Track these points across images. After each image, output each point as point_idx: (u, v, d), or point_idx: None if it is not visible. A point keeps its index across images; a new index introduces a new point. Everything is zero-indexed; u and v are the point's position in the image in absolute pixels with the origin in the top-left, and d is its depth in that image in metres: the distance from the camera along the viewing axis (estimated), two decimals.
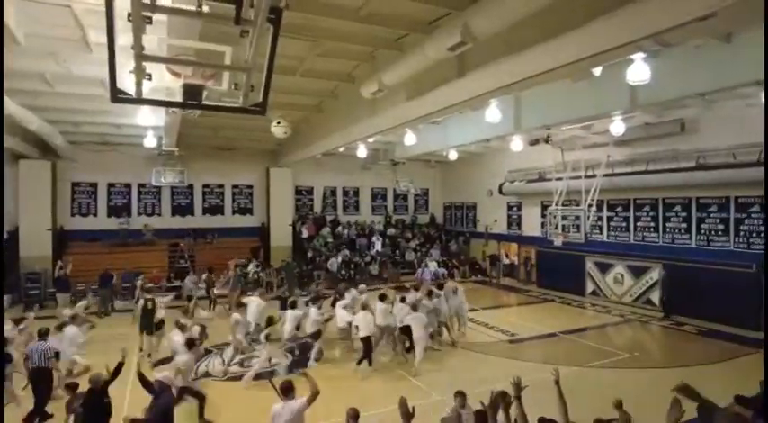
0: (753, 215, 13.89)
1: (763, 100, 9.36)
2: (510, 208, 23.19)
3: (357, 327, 10.92)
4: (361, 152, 18.86)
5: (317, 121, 16.30)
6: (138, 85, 3.44)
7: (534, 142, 15.69)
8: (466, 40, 6.58)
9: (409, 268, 22.97)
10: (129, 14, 2.95)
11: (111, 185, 20.99)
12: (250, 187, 23.52)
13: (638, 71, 7.84)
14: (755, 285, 13.54)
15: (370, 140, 17.08)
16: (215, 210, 22.86)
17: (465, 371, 10.68)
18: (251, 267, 18.80)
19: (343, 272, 20.83)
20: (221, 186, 23.03)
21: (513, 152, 17.61)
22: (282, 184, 23.09)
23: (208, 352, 11.78)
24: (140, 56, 3.20)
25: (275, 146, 21.48)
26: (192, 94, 3.68)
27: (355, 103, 11.83)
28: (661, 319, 15.08)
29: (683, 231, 15.75)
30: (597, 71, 8.93)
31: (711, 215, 14.94)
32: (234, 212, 23.22)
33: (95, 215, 20.66)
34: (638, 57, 7.72)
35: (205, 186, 22.73)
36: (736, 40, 8.48)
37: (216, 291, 16.29)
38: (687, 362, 11.11)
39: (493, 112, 11.36)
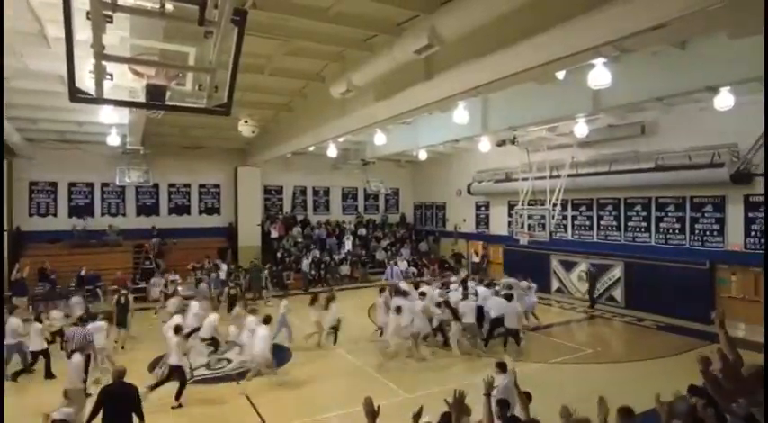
0: (706, 214, 14.51)
1: (725, 103, 9.79)
2: (478, 207, 23.53)
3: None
4: (332, 152, 18.82)
5: (287, 121, 16.19)
6: (98, 84, 3.37)
7: (501, 143, 15.98)
8: (433, 43, 6.68)
9: (380, 268, 23.06)
10: (88, 13, 2.90)
11: (72, 185, 20.29)
12: (217, 187, 23.13)
13: (599, 76, 8.09)
14: (708, 281, 14.26)
15: (341, 140, 17.05)
16: (181, 210, 22.40)
17: (434, 370, 10.81)
18: (223, 268, 18.46)
19: (313, 272, 20.72)
20: (188, 186, 22.58)
21: (481, 153, 17.89)
22: (251, 184, 22.80)
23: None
24: (100, 55, 3.13)
25: (243, 145, 21.21)
26: (156, 94, 3.62)
27: (325, 102, 11.83)
28: (587, 310, 16.07)
29: (643, 230, 16.32)
30: (561, 75, 9.17)
31: (669, 214, 15.54)
32: (201, 212, 22.80)
33: (55, 215, 19.94)
34: (599, 62, 7.96)
35: (171, 186, 22.24)
36: (690, 47, 8.87)
37: (181, 292, 15.97)
38: (646, 356, 11.56)
39: (461, 114, 11.52)
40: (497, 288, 13.46)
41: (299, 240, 22.97)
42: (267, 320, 10.31)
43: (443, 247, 25.75)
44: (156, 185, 21.59)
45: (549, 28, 5.69)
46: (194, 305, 12.20)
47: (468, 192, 22.71)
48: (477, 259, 22.54)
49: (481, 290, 13.25)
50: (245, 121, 11.13)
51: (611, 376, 10.40)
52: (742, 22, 5.94)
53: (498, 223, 22.14)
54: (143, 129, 15.13)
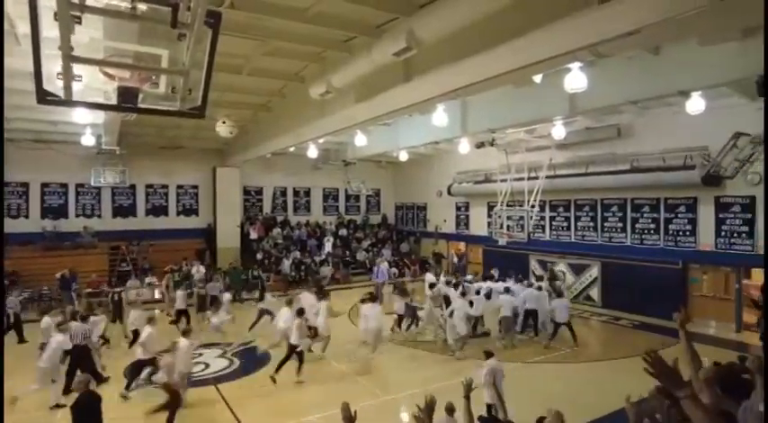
0: (680, 215, 14.86)
1: (694, 107, 10.03)
2: (458, 208, 23.69)
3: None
4: (312, 152, 18.74)
5: (266, 121, 16.07)
6: (67, 86, 3.29)
7: (480, 145, 16.11)
8: (411, 45, 6.70)
9: (361, 269, 23.04)
10: (56, 14, 2.83)
11: (45, 185, 19.77)
12: (195, 187, 22.80)
13: (575, 79, 8.22)
14: (681, 280, 14.61)
15: (321, 141, 17.01)
16: (158, 211, 22.01)
17: (412, 370, 10.85)
18: (194, 271, 18.17)
19: (293, 274, 20.59)
20: (165, 187, 22.21)
21: (461, 154, 18.01)
22: (230, 184, 22.52)
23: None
24: (68, 56, 3.06)
25: (222, 145, 20.97)
26: (128, 96, 3.55)
27: (304, 103, 11.76)
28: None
29: (619, 230, 16.63)
30: (538, 78, 9.29)
31: (644, 215, 15.87)
32: (179, 213, 22.44)
33: (27, 217, 19.39)
34: (576, 66, 8.09)
35: (148, 186, 21.84)
36: (663, 52, 9.06)
37: (157, 295, 15.75)
38: (622, 354, 11.74)
39: (440, 116, 11.58)
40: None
41: (280, 241, 22.82)
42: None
43: (424, 247, 25.84)
44: (132, 186, 21.19)
45: (526, 32, 5.76)
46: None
47: (449, 193, 22.85)
48: (456, 260, 22.67)
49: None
50: (223, 122, 11.02)
51: (588, 375, 10.60)
52: (711, 30, 6.10)
53: (478, 224, 22.31)
54: (119, 129, 14.85)
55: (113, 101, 3.69)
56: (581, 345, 12.65)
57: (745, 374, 3.76)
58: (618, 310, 15.74)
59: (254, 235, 22.55)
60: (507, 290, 13.20)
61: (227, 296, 14.32)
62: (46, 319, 10.62)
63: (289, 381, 10.03)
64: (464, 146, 16.10)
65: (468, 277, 16.16)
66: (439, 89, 8.32)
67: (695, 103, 10.00)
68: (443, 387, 8.37)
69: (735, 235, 13.54)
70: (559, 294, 13.38)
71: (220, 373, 10.71)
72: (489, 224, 19.55)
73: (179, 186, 22.50)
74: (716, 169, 12.06)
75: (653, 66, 9.25)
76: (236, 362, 11.38)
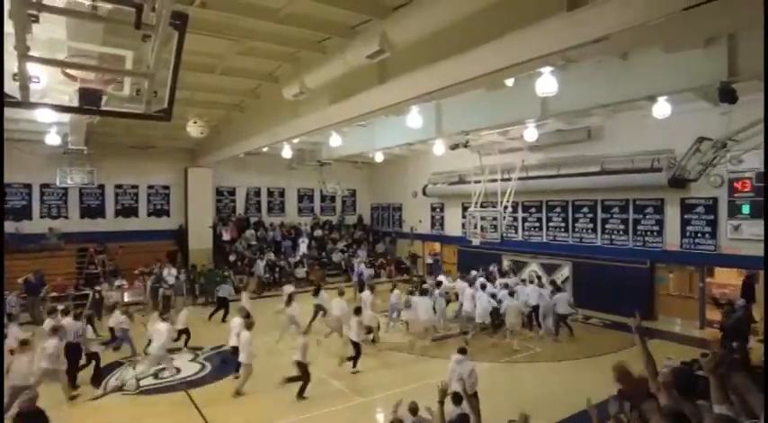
0: (647, 216, 15.27)
1: (657, 112, 10.29)
2: (433, 209, 23.82)
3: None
4: (286, 152, 18.54)
5: (239, 121, 15.84)
6: (24, 87, 3.16)
7: (454, 147, 16.21)
8: (384, 48, 6.70)
9: (337, 270, 22.94)
10: (10, 12, 2.71)
11: (6, 186, 19.05)
12: (167, 188, 22.33)
13: (546, 84, 8.34)
14: (648, 280, 15.01)
15: (295, 141, 16.85)
16: (128, 211, 21.48)
17: (387, 372, 10.84)
18: (165, 273, 17.81)
19: (267, 275, 20.35)
20: (135, 187, 21.68)
21: (436, 156, 18.10)
22: (202, 185, 22.13)
23: (119, 364, 11.13)
24: (24, 57, 2.94)
25: (194, 145, 20.59)
26: (90, 99, 3.42)
27: (278, 103, 11.62)
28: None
29: (589, 231, 16.98)
30: (510, 82, 9.40)
31: (614, 216, 16.24)
32: (149, 214, 21.94)
33: None
34: (547, 70, 8.21)
35: (118, 187, 21.29)
36: (631, 58, 9.27)
37: (127, 298, 15.44)
38: (592, 353, 12.02)
39: (414, 118, 11.60)
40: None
41: (253, 243, 22.53)
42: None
43: (400, 247, 25.89)
44: (101, 186, 20.60)
45: (497, 37, 5.81)
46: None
47: (424, 193, 22.97)
48: (430, 260, 22.80)
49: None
50: (194, 122, 10.79)
51: (560, 374, 10.78)
52: (676, 38, 6.28)
53: (453, 224, 22.47)
54: (86, 128, 14.41)
55: (76, 103, 3.56)
56: (552, 344, 12.87)
57: (700, 372, 3.88)
58: (589, 309, 16.01)
59: (226, 236, 22.22)
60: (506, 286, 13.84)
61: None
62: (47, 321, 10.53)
63: (261, 385, 9.91)
64: (439, 147, 16.17)
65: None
66: (413, 92, 8.33)
67: (661, 108, 10.25)
68: (417, 388, 8.43)
69: (699, 235, 13.98)
70: (558, 289, 14.07)
71: (192, 377, 10.51)
72: (464, 225, 19.72)
73: (150, 187, 22.01)
74: (681, 172, 12.40)
75: (622, 71, 9.46)
76: (208, 366, 11.19)
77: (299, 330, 11.62)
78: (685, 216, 14.27)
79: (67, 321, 9.99)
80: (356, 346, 10.75)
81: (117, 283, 17.50)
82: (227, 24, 8.44)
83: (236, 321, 10.63)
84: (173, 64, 3.34)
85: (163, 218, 22.20)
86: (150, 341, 10.49)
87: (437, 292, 13.91)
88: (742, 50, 7.80)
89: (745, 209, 12.89)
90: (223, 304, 15.15)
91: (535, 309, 13.51)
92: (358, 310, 11.25)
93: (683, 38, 6.52)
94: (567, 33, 5.50)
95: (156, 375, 10.35)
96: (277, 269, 20.93)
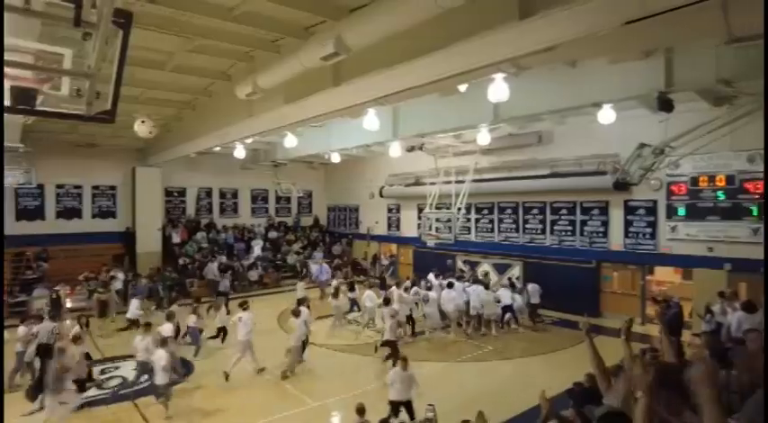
0: (594, 218, 15.92)
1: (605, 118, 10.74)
2: (390, 210, 23.94)
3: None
4: (240, 152, 18.12)
5: (191, 119, 15.39)
6: None
7: (411, 149, 16.37)
8: (339, 51, 6.68)
9: (292, 272, 22.64)
10: None
11: None
12: (113, 188, 21.37)
13: (499, 90, 8.53)
14: (594, 278, 15.66)
15: (249, 141, 16.52)
16: (71, 213, 20.39)
17: (340, 375, 10.78)
18: (119, 278, 17.08)
19: (219, 279, 19.77)
20: (79, 187, 20.61)
21: (393, 157, 18.18)
22: (150, 185, 21.31)
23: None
24: None
25: (143, 144, 19.79)
26: (24, 98, 3.22)
27: (232, 102, 11.36)
28: None
29: (539, 232, 17.53)
30: (463, 88, 9.57)
31: (562, 218, 16.84)
32: (94, 216, 20.92)
33: None
34: (499, 77, 8.41)
35: (59, 187, 20.17)
36: (579, 66, 9.64)
37: (69, 305, 14.73)
38: (542, 350, 12.41)
39: (371, 120, 11.60)
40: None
41: (204, 245, 21.86)
42: None
43: (357, 249, 25.86)
44: (40, 186, 19.44)
45: (451, 44, 5.92)
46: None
47: (381, 195, 23.03)
48: (386, 261, 22.88)
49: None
50: (143, 121, 10.34)
51: (510, 372, 11.07)
52: (617, 50, 6.59)
53: (409, 225, 22.66)
54: (21, 125, 13.57)
55: (7, 102, 3.35)
56: (503, 342, 13.20)
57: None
58: (539, 307, 16.53)
59: (176, 239, 21.49)
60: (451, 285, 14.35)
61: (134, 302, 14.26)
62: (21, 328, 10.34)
63: (214, 391, 9.68)
64: (395, 149, 16.27)
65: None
66: (367, 94, 8.36)
67: (606, 115, 10.72)
68: (372, 390, 8.44)
69: (640, 236, 14.71)
70: (513, 287, 15.09)
71: (139, 387, 10.07)
72: (419, 226, 19.94)
73: (95, 187, 21.00)
74: (624, 176, 12.95)
75: (570, 79, 9.82)
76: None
77: (343, 321, 14.25)
78: (628, 217, 14.99)
79: (43, 324, 10.21)
80: (393, 345, 11.29)
81: (58, 288, 16.59)
82: (178, 21, 8.17)
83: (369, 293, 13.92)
84: (116, 64, 3.20)
85: (109, 220, 21.24)
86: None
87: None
88: (677, 63, 8.29)
89: (681, 211, 13.68)
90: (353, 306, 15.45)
91: (506, 308, 14.01)
92: (387, 301, 12.16)
93: (625, 50, 6.85)
94: (518, 42, 5.67)
95: (99, 385, 9.89)
96: (229, 272, 20.38)
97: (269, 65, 8.95)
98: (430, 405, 7.11)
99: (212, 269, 19.58)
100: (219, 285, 18.13)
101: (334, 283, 16.00)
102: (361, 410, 6.95)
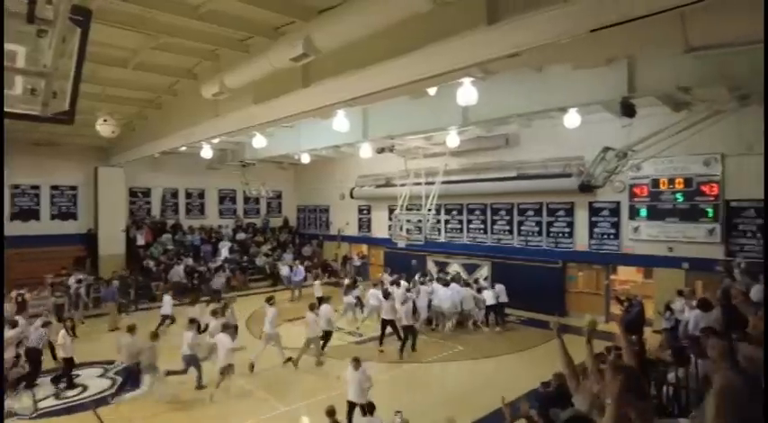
0: (559, 219, 16.29)
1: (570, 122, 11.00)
2: (361, 211, 23.89)
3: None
4: (206, 152, 17.75)
5: (155, 118, 15.00)
6: None
7: (381, 150, 16.37)
8: (308, 52, 6.61)
9: (260, 274, 22.33)
10: None
11: None
12: (74, 188, 20.58)
13: (467, 93, 8.63)
14: (560, 278, 16.04)
15: (216, 141, 16.21)
16: (28, 214, 19.52)
17: (314, 379, 10.69)
18: (71, 281, 16.45)
19: (185, 282, 19.34)
20: (36, 187, 19.77)
21: (363, 158, 18.15)
22: (113, 186, 20.61)
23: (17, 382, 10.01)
24: None
25: (105, 143, 19.10)
26: None
27: (198, 101, 11.09)
28: None
29: (506, 233, 17.82)
30: (432, 91, 9.63)
31: (529, 219, 17.16)
32: (53, 217, 20.09)
33: None
34: (467, 81, 8.50)
35: (15, 187, 19.28)
36: (545, 71, 9.82)
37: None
38: (510, 350, 12.60)
39: (341, 122, 11.56)
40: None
41: (170, 247, 21.32)
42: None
43: (327, 250, 25.70)
44: None
45: (420, 47, 5.95)
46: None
47: (351, 196, 22.95)
48: (357, 263, 22.83)
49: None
50: (104, 120, 10.03)
51: (479, 372, 11.19)
52: (581, 57, 6.76)
53: (380, 226, 22.67)
54: None
55: None
56: (472, 342, 13.35)
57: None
58: (507, 307, 16.78)
59: (141, 241, 20.87)
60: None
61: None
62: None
63: (184, 398, 9.45)
64: (366, 150, 16.27)
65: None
66: (337, 96, 8.32)
67: (572, 118, 10.99)
68: (344, 393, 8.37)
69: (604, 236, 15.13)
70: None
71: (101, 395, 9.75)
72: (390, 227, 19.98)
73: (54, 187, 20.18)
74: (588, 179, 13.28)
75: (537, 83, 9.99)
76: (119, 381, 10.42)
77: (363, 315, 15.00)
78: (592, 219, 15.39)
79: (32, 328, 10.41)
80: (411, 329, 12.28)
81: (14, 293, 15.89)
82: (142, 18, 7.96)
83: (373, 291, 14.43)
84: (75, 64, 3.08)
85: (69, 221, 20.44)
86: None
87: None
88: (639, 70, 8.56)
89: (643, 212, 14.13)
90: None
91: (489, 308, 14.49)
92: (387, 295, 12.88)
93: (589, 57, 7.03)
94: (485, 46, 5.74)
95: (57, 395, 9.51)
96: (196, 275, 19.95)
97: (237, 64, 8.80)
98: (398, 412, 7.09)
99: (178, 272, 19.14)
100: (213, 284, 18.62)
101: (347, 281, 16.87)
102: (331, 412, 6.93)
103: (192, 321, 10.62)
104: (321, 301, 13.40)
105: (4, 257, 16.61)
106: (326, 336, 11.92)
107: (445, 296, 14.31)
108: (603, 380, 3.21)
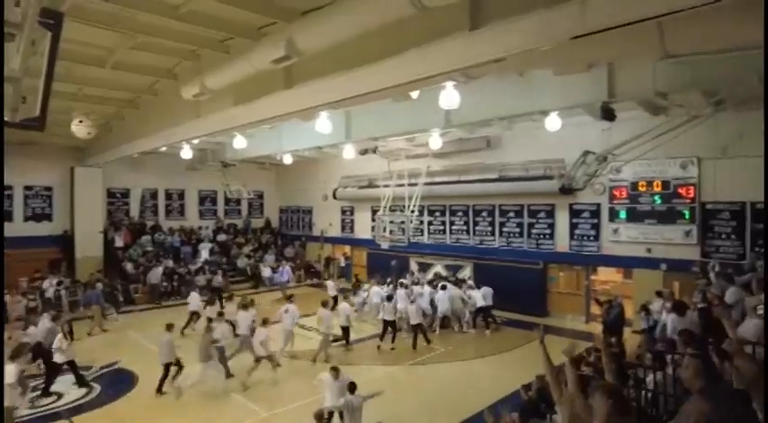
0: (540, 220, 16.44)
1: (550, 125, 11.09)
2: (344, 212, 23.80)
3: None
4: (186, 153, 17.45)
5: (134, 118, 14.71)
6: None
7: (364, 152, 16.34)
8: (291, 54, 6.54)
9: (242, 276, 22.10)
10: None
11: None
12: (49, 189, 20.06)
13: (450, 97, 8.62)
14: (542, 279, 16.19)
15: (196, 141, 15.97)
16: None
17: (295, 382, 10.58)
18: (46, 285, 16.09)
19: (165, 284, 19.04)
20: (9, 188, 19.20)
21: (346, 159, 18.05)
22: (91, 186, 20.16)
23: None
24: None
25: (82, 143, 18.61)
26: None
27: (178, 101, 10.90)
28: None
29: (489, 234, 17.92)
30: (415, 94, 9.60)
31: (511, 220, 17.29)
32: (27, 219, 19.56)
33: None
34: (450, 84, 8.50)
35: None
36: (527, 75, 9.89)
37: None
38: (493, 351, 12.68)
39: (323, 124, 11.47)
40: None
41: (149, 249, 20.95)
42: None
43: (310, 251, 25.55)
44: None
45: (403, 52, 5.93)
46: None
47: (334, 197, 22.84)
48: (343, 264, 22.76)
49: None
50: (80, 121, 9.78)
51: (462, 374, 11.21)
52: (563, 62, 6.82)
53: (363, 227, 22.62)
54: None
55: None
56: (456, 344, 13.40)
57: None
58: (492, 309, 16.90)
59: (119, 242, 20.48)
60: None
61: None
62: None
63: (158, 403, 9.28)
64: (349, 152, 16.19)
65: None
66: (319, 99, 8.26)
67: (553, 121, 11.06)
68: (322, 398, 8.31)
69: (585, 238, 15.32)
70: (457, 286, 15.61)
71: (77, 403, 9.52)
72: (373, 228, 19.95)
73: (27, 188, 19.64)
74: (569, 182, 13.42)
75: (519, 87, 10.07)
76: (97, 388, 10.20)
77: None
78: (573, 220, 15.57)
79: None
80: (420, 327, 13.15)
81: None
82: (120, 16, 7.78)
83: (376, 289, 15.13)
84: (45, 69, 2.98)
85: (44, 223, 19.93)
86: None
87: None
88: (619, 76, 8.69)
89: (622, 214, 14.34)
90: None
91: (480, 310, 14.59)
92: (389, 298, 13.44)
93: (570, 63, 7.10)
94: (468, 52, 5.74)
95: (32, 404, 9.25)
96: (176, 277, 19.64)
97: (218, 65, 8.67)
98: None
99: (156, 274, 18.81)
100: (213, 281, 19.15)
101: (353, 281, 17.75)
102: (320, 416, 6.82)
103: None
104: (336, 299, 15.01)
105: None
106: (345, 331, 12.83)
107: (443, 298, 14.56)
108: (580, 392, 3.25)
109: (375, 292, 15.25)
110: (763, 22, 3.42)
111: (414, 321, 13.10)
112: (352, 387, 7.16)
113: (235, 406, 9.35)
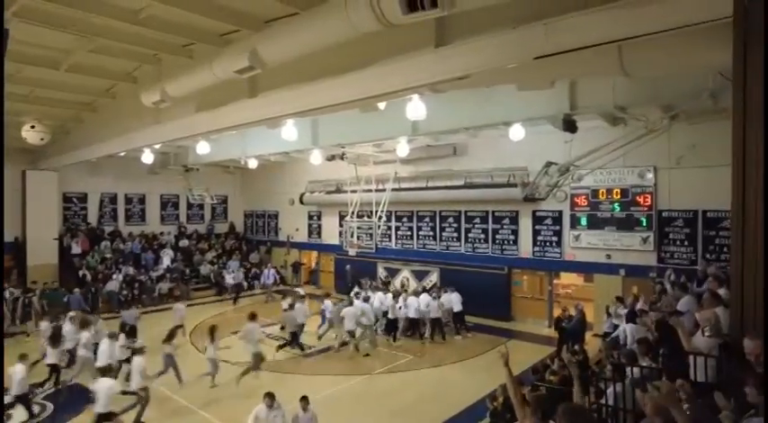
0: (505, 227, 16.73)
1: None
2: (311, 217, 23.59)
3: None
4: (147, 157, 16.88)
5: (92, 122, 14.23)
6: None
7: (331, 158, 16.20)
8: (255, 65, 6.44)
9: (205, 283, 21.58)
10: None
11: None
12: None
13: (416, 109, 8.63)
14: (506, 284, 16.48)
15: (157, 146, 15.51)
16: None
17: (257, 395, 10.32)
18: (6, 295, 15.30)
19: (125, 292, 18.40)
20: None
21: (313, 164, 17.92)
22: (45, 191, 19.25)
23: None
24: None
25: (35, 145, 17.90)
26: None
27: (138, 106, 10.56)
28: None
29: (455, 240, 18.11)
30: (382, 106, 9.59)
31: (476, 226, 17.52)
32: None
33: None
34: (416, 97, 8.52)
35: None
36: (492, 88, 9.98)
37: None
38: (460, 356, 12.78)
39: (289, 131, 11.30)
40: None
41: (108, 256, 20.20)
42: None
43: (276, 256, 25.16)
44: None
45: (369, 66, 5.94)
46: None
47: (301, 201, 22.57)
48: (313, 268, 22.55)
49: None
50: (32, 126, 9.35)
51: (428, 381, 11.24)
52: (527, 80, 6.96)
53: (330, 233, 22.47)
54: None
55: None
56: (424, 350, 13.47)
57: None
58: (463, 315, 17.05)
59: (76, 249, 19.65)
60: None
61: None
62: None
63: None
64: (316, 157, 16.05)
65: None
66: (284, 109, 8.16)
67: (517, 131, 11.24)
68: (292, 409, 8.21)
69: (547, 244, 15.67)
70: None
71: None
72: (341, 233, 19.84)
73: None
74: (533, 191, 13.71)
75: (483, 98, 10.17)
76: (50, 407, 9.72)
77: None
78: (536, 227, 15.91)
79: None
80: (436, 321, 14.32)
81: None
82: (76, 19, 7.51)
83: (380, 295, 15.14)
84: None
85: None
86: None
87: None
88: (580, 89, 8.95)
89: (583, 221, 14.75)
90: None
91: (457, 315, 14.79)
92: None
93: (533, 80, 7.26)
94: (433, 68, 5.78)
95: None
96: (136, 284, 19.01)
97: (179, 72, 8.46)
98: None
99: (114, 282, 18.13)
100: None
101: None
102: None
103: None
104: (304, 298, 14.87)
105: None
106: (294, 336, 13.24)
107: (422, 303, 14.69)
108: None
109: (377, 297, 15.12)
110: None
111: (432, 315, 14.23)
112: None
113: (196, 421, 9.09)
